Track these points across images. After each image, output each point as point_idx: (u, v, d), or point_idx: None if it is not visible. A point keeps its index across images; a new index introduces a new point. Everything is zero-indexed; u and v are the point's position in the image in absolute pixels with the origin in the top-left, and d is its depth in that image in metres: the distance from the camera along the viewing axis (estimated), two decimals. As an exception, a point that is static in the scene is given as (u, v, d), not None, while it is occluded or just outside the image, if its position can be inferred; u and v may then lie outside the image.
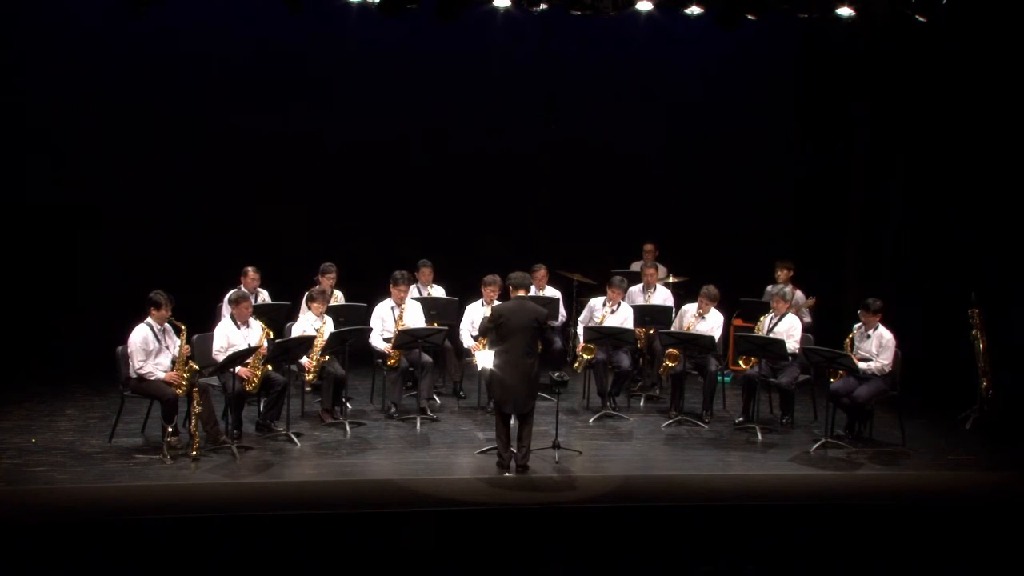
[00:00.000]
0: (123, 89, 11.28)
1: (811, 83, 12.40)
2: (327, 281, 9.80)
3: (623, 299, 9.96)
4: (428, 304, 9.87)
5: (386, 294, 9.67)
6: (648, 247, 11.41)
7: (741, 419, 9.42)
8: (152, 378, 8.11)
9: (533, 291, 9.83)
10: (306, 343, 8.82)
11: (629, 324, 9.78)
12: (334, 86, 11.88)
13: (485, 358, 8.32)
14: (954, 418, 9.62)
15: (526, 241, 11.35)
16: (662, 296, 10.50)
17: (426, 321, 9.68)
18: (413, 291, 10.01)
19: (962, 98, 10.86)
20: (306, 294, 9.45)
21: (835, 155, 12.24)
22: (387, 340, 9.40)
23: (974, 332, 9.56)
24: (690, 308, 9.84)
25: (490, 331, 8.04)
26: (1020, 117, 10.38)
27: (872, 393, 8.73)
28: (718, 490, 7.94)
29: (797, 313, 9.89)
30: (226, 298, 9.60)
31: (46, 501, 7.18)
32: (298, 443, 8.52)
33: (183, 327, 8.24)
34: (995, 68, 10.52)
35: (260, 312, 9.19)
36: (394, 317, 9.55)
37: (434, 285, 10.38)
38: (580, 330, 9.96)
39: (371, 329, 9.44)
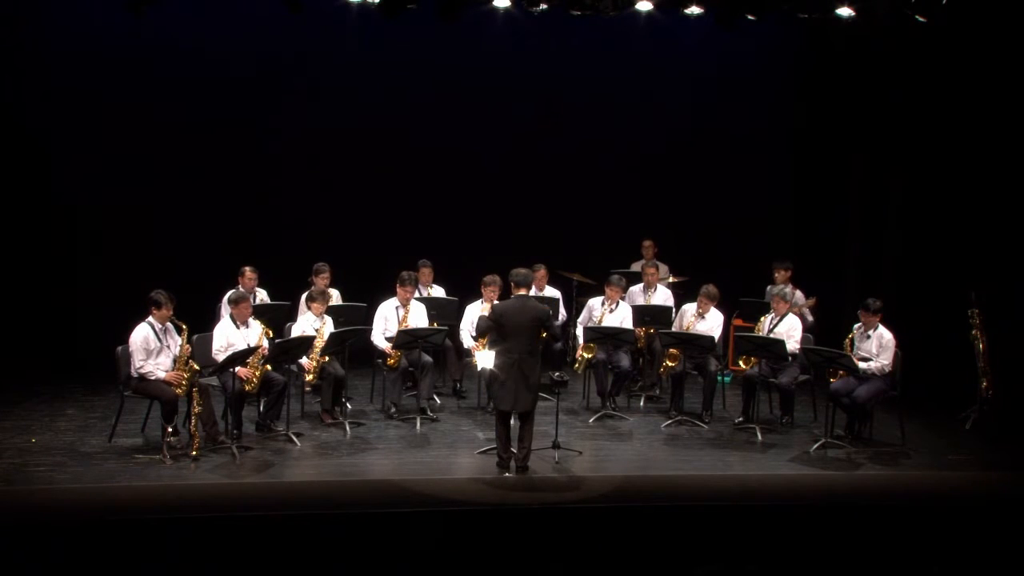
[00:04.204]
0: (122, 89, 11.26)
1: (811, 82, 12.39)
2: (321, 281, 9.77)
3: (622, 298, 9.97)
4: (428, 304, 9.87)
5: (385, 294, 9.67)
6: (647, 243, 11.43)
7: (741, 419, 9.42)
8: (152, 378, 8.12)
9: (533, 291, 9.83)
10: (306, 343, 8.82)
11: (628, 323, 9.78)
12: (334, 86, 11.87)
13: (485, 358, 8.31)
14: (954, 418, 9.62)
15: (526, 241, 11.35)
16: (662, 296, 10.50)
17: (427, 322, 9.68)
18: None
19: (963, 97, 10.85)
20: (305, 294, 9.46)
21: (835, 154, 12.25)
22: (389, 340, 9.40)
23: (974, 332, 9.56)
24: (690, 308, 9.85)
25: (490, 329, 8.03)
26: (1020, 116, 10.37)
27: (872, 393, 8.73)
28: (718, 490, 7.94)
29: (799, 313, 9.90)
30: (225, 298, 9.61)
31: (46, 501, 7.18)
32: (298, 443, 8.52)
33: (184, 327, 8.24)
34: (995, 68, 10.52)
35: (260, 312, 9.19)
36: (398, 317, 9.55)
37: (434, 285, 10.38)
38: (580, 331, 9.95)
39: (371, 328, 9.44)
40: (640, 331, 9.97)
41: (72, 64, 11.11)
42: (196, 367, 8.24)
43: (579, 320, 10.21)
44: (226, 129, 11.57)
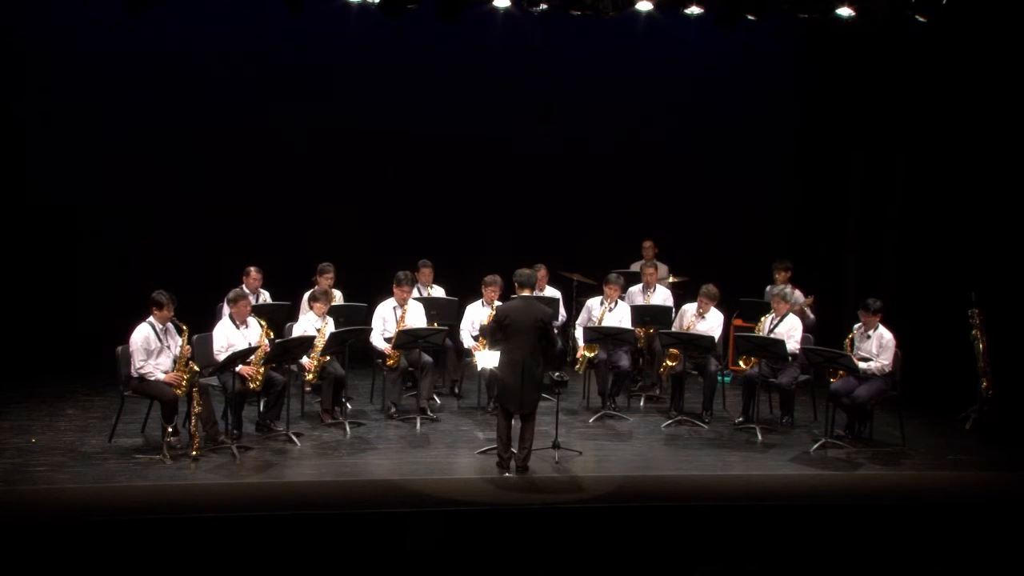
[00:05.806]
0: (123, 89, 11.26)
1: (811, 82, 12.39)
2: (325, 281, 9.79)
3: (621, 297, 9.96)
4: (428, 304, 9.87)
5: (386, 294, 9.67)
6: (647, 244, 11.44)
7: (741, 419, 9.42)
8: (152, 378, 8.11)
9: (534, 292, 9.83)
10: (306, 343, 8.82)
11: (627, 322, 9.78)
12: (334, 86, 11.87)
13: (485, 358, 8.30)
14: (954, 418, 9.62)
15: (526, 241, 11.36)
16: (662, 296, 10.50)
17: (427, 321, 9.68)
18: (413, 291, 10.01)
19: (962, 97, 10.85)
20: (307, 294, 9.45)
21: (835, 154, 12.24)
22: (388, 340, 9.40)
23: (974, 332, 9.56)
24: (690, 308, 9.85)
25: (495, 332, 8.01)
26: (1021, 116, 10.37)
27: (872, 393, 8.73)
28: (718, 490, 7.95)
29: (800, 312, 9.89)
30: (226, 298, 9.59)
31: (46, 501, 7.18)
32: (298, 443, 8.52)
33: (185, 327, 8.23)
34: (995, 67, 10.52)
35: (260, 312, 9.18)
36: (396, 317, 9.55)
37: (434, 285, 10.38)
38: (579, 333, 9.94)
39: (371, 329, 9.44)
40: (640, 331, 9.97)
41: (72, 63, 11.09)
42: (196, 368, 8.23)
43: (578, 322, 10.20)
44: (226, 129, 11.56)
